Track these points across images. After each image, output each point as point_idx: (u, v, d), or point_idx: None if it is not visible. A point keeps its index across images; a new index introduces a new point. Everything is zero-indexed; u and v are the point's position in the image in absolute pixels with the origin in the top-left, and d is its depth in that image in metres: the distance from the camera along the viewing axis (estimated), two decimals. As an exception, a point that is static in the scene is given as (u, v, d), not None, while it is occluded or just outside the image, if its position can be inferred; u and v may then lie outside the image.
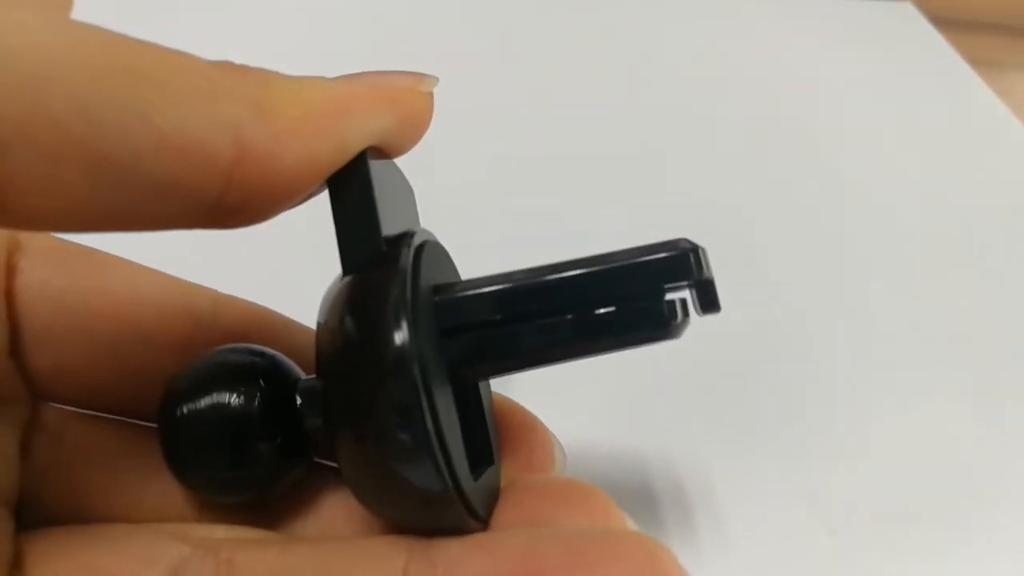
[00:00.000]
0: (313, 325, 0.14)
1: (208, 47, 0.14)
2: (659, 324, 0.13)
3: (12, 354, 0.15)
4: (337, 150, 0.13)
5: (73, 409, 0.16)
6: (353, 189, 0.14)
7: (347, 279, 0.14)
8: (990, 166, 0.33)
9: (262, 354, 0.15)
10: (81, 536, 0.14)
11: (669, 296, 0.14)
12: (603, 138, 0.32)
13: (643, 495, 0.20)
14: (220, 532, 0.15)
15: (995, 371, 0.25)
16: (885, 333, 0.26)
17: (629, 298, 0.13)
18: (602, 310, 0.13)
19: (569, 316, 0.14)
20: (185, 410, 0.14)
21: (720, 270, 0.14)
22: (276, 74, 0.13)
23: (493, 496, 0.15)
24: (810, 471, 0.21)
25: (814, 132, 0.34)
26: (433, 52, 0.35)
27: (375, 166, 0.14)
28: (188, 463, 0.15)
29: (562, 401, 0.19)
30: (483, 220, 0.27)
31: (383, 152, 0.15)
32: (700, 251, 0.14)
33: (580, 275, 0.14)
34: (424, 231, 0.15)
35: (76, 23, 0.11)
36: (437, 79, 0.15)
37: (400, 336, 0.13)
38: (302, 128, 0.13)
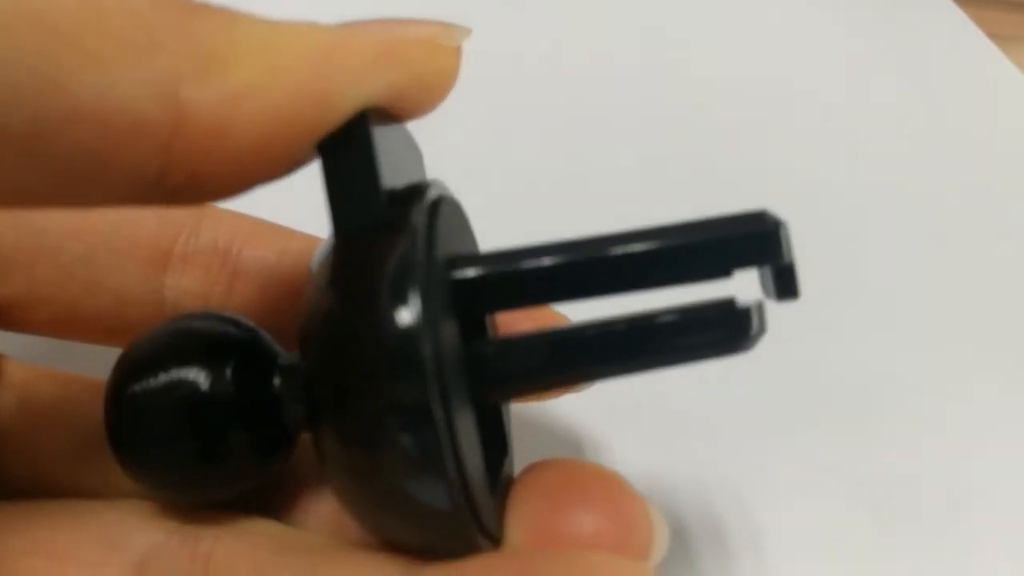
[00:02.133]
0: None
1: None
2: (737, 337, 0.11)
3: None
4: (316, 115, 0.11)
5: (43, 369, 0.15)
6: (349, 158, 0.11)
7: (344, 238, 0.11)
8: (1017, 141, 0.32)
9: (236, 323, 0.13)
10: (41, 512, 0.13)
11: (739, 292, 0.12)
12: (623, 111, 0.30)
13: (664, 483, 0.19)
14: (205, 515, 0.13)
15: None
16: (923, 308, 0.25)
17: (691, 282, 0.12)
18: (665, 319, 0.11)
19: (623, 327, 0.12)
20: (137, 389, 0.12)
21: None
22: (246, 17, 0.11)
23: (506, 491, 0.13)
24: (846, 453, 0.20)
25: (832, 108, 0.33)
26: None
27: (379, 132, 0.12)
28: (141, 456, 0.12)
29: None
30: (503, 188, 0.26)
31: (390, 115, 0.12)
32: (784, 228, 0.12)
33: (641, 252, 0.11)
34: (438, 183, 0.13)
35: None
36: (469, 30, 0.12)
37: (410, 316, 0.10)
38: (265, 86, 0.10)
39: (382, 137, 0.12)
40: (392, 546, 0.12)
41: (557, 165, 0.27)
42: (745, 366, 0.21)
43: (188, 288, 0.15)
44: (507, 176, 0.27)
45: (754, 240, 0.11)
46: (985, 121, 0.33)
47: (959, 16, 0.39)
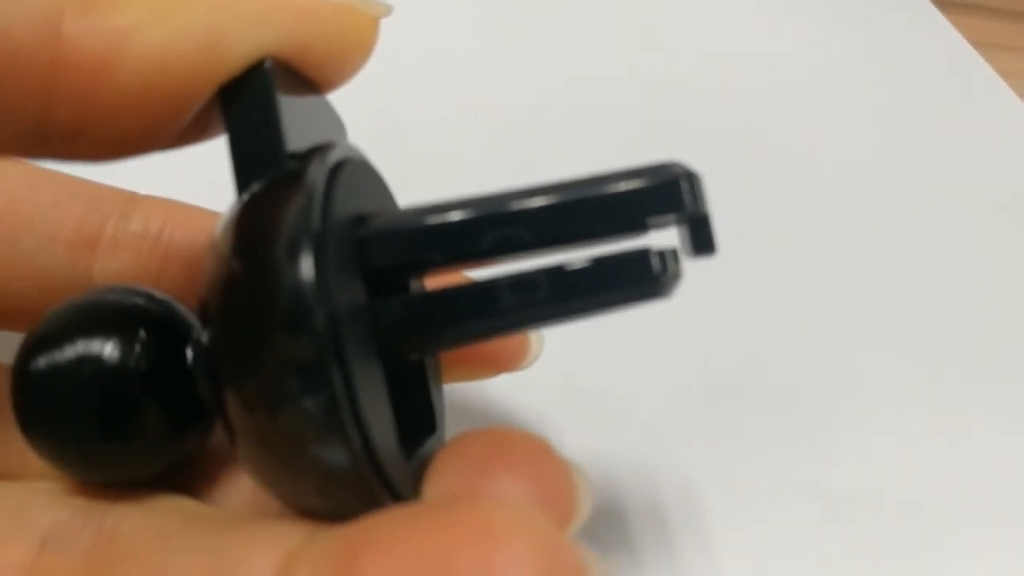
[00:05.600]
0: None
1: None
2: (646, 281, 0.11)
3: None
4: (207, 58, 0.11)
5: None
6: (248, 106, 0.11)
7: (240, 200, 0.11)
8: (995, 147, 0.32)
9: (149, 296, 0.13)
10: None
11: (655, 240, 0.12)
12: (614, 118, 0.30)
13: (614, 485, 0.19)
14: (115, 493, 0.13)
15: (1008, 356, 0.23)
16: (889, 313, 0.24)
17: (606, 236, 0.12)
18: (574, 266, 0.12)
19: (536, 276, 0.12)
20: (43, 364, 0.12)
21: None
22: None
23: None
24: (807, 460, 0.20)
25: (812, 111, 0.32)
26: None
27: (290, 91, 0.12)
28: (48, 434, 0.12)
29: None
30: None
31: (306, 82, 0.12)
32: (694, 178, 0.11)
33: (547, 207, 0.11)
34: (350, 146, 0.13)
35: None
36: (390, 8, 0.13)
37: (302, 273, 0.10)
38: (152, 23, 0.10)
39: (293, 99, 0.12)
40: (305, 514, 0.12)
41: (556, 170, 0.27)
42: (701, 367, 0.22)
43: (117, 272, 0.15)
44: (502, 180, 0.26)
45: (660, 191, 0.11)
46: (966, 127, 0.33)
47: (942, 23, 0.39)
